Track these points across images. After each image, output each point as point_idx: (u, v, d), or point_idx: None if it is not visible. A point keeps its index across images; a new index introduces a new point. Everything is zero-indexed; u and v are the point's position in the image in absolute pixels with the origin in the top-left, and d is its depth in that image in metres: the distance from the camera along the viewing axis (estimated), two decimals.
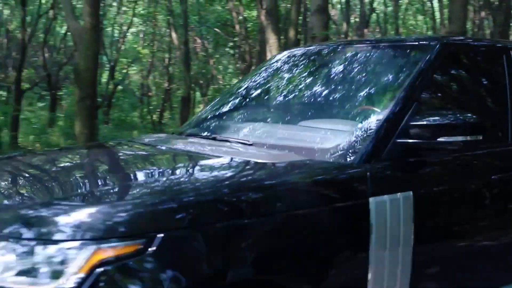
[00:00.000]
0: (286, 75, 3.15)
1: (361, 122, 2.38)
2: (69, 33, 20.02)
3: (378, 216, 2.11)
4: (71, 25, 8.22)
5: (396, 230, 2.17)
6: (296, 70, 3.16)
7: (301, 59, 3.20)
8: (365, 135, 2.28)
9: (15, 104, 15.60)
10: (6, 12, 21.59)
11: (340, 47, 3.12)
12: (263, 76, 3.29)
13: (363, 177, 2.16)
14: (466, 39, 3.65)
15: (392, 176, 2.28)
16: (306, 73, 3.09)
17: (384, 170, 2.25)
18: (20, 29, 17.80)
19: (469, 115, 2.25)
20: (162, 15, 20.85)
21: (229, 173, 2.20)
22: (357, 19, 21.26)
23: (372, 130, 2.28)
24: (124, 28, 21.30)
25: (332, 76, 2.94)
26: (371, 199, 2.12)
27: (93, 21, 7.46)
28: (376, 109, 2.42)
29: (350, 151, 2.24)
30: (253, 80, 3.32)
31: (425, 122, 2.23)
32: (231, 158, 2.32)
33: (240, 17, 17.66)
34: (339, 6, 21.55)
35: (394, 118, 2.31)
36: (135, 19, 21.58)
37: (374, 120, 2.33)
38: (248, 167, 2.21)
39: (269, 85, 3.18)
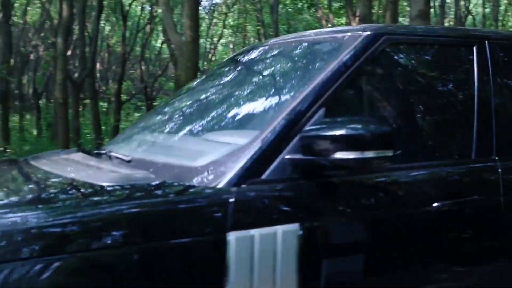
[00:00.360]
0: (211, 83, 2.71)
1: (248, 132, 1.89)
2: (163, 46, 20.97)
3: (240, 257, 1.59)
4: (172, 39, 8.55)
5: (269, 276, 1.62)
6: (221, 77, 2.70)
7: (228, 65, 2.80)
8: (245, 149, 1.76)
9: (115, 114, 16.53)
10: (107, 28, 22.95)
11: (261, 47, 2.64)
12: (195, 85, 2.84)
13: (221, 206, 1.63)
14: (416, 28, 2.65)
15: (269, 204, 1.71)
16: (224, 80, 2.64)
17: (258, 196, 1.69)
18: (120, 43, 18.86)
19: (379, 125, 1.70)
20: (252, 25, 21.22)
21: (44, 199, 1.78)
22: (451, 23, 20.43)
23: (256, 143, 1.76)
24: (215, 39, 21.92)
25: (246, 81, 2.46)
26: (230, 235, 1.59)
27: (193, 34, 7.72)
28: (271, 115, 1.90)
29: (221, 170, 1.73)
30: (186, 90, 2.86)
31: (330, 133, 1.70)
32: (72, 180, 1.94)
33: (329, 25, 17.55)
34: (432, 10, 20.82)
35: (286, 127, 1.79)
36: (225, 30, 22.14)
37: (262, 129, 1.82)
38: (75, 191, 1.81)
39: (194, 94, 2.71)
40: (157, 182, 1.76)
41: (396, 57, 2.22)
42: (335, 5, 18.56)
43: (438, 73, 2.33)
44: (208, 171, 1.76)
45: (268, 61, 2.49)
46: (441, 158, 2.11)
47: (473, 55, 2.21)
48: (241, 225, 1.62)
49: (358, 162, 1.68)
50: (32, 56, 20.85)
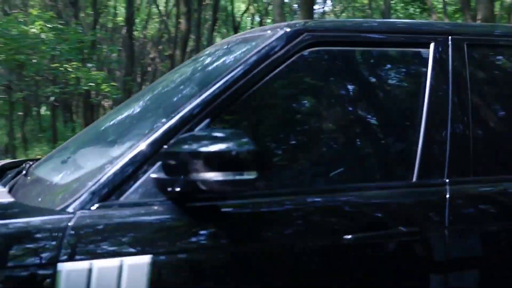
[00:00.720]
0: (142, 92, 2.39)
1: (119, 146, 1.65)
2: None
3: None
4: None
5: None
6: (153, 86, 2.35)
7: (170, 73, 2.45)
8: (105, 166, 1.52)
9: None
10: (218, 39, 23.78)
11: (208, 50, 2.32)
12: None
13: (56, 232, 1.39)
14: (349, 23, 1.98)
15: (118, 231, 1.43)
16: (148, 90, 2.32)
17: (106, 222, 1.43)
18: None
19: (246, 141, 1.40)
20: None
21: None
22: None
23: (120, 158, 1.51)
24: None
25: (157, 89, 2.17)
26: (62, 266, 1.35)
27: None
28: (147, 127, 1.63)
29: (72, 190, 1.50)
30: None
31: (186, 149, 1.42)
32: None
33: None
34: None
35: (157, 141, 1.52)
36: None
37: (133, 142, 1.57)
38: None
39: (122, 106, 2.36)
40: (5, 202, 1.59)
41: (318, 59, 1.77)
42: (450, 8, 17.78)
43: (371, 78, 1.89)
44: (60, 191, 1.54)
45: (192, 65, 2.18)
46: (365, 180, 1.69)
47: (427, 55, 1.80)
48: (78, 255, 1.36)
49: (221, 184, 1.38)
50: (149, 68, 22.18)
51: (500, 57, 2.02)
